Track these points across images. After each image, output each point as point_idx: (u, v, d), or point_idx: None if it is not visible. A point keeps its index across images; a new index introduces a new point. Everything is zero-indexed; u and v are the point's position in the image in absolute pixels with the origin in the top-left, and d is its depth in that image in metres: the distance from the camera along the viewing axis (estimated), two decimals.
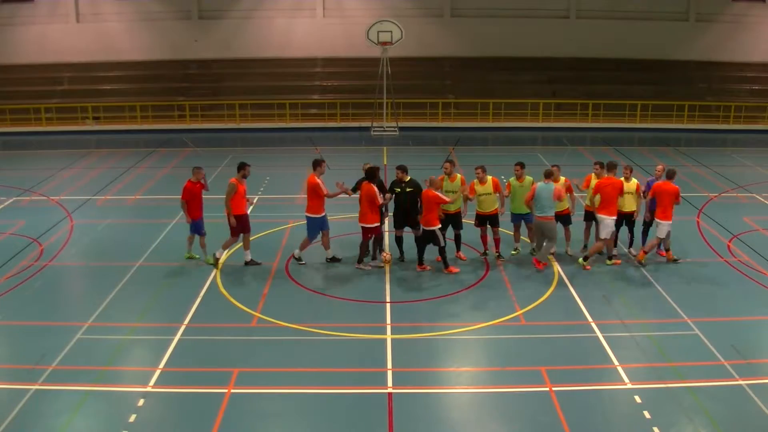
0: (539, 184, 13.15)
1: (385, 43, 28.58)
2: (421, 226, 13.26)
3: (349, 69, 33.03)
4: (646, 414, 8.77)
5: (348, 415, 8.84)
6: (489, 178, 13.70)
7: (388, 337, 10.91)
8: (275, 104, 31.13)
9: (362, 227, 13.36)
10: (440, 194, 13.09)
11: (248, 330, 11.18)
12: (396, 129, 29.71)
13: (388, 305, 12.05)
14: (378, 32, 28.57)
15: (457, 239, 14.08)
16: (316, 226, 13.69)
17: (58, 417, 8.69)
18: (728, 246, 14.78)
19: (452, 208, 13.64)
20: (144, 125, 30.48)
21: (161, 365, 9.97)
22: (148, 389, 9.35)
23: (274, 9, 33.43)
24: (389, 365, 10.03)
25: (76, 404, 8.97)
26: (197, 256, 14.05)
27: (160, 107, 31.01)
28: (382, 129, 29.84)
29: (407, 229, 13.80)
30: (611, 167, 13.57)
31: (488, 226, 14.01)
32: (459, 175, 13.74)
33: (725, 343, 10.50)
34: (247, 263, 13.76)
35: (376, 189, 13.24)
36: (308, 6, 33.50)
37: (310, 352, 10.44)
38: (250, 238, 13.97)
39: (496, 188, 13.71)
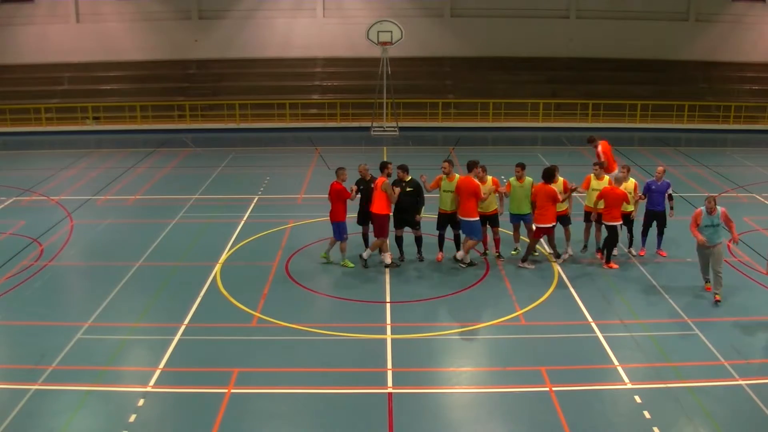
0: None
1: (385, 43, 28.55)
2: (462, 219, 13.44)
3: (349, 69, 33.01)
4: (646, 414, 8.77)
5: (348, 415, 8.84)
6: (489, 178, 13.70)
7: (388, 337, 10.91)
8: (275, 104, 31.09)
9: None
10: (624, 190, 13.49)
11: (248, 330, 11.18)
12: (396, 129, 29.70)
13: (388, 305, 12.06)
14: (378, 32, 28.52)
15: (457, 239, 14.08)
16: (479, 228, 13.52)
17: (58, 417, 8.69)
18: (728, 246, 14.77)
19: (449, 208, 13.65)
20: (144, 125, 30.46)
21: (161, 365, 9.97)
22: (148, 389, 9.35)
23: (274, 9, 33.40)
24: (389, 365, 10.04)
25: (76, 404, 8.98)
26: (332, 260, 13.84)
27: (160, 107, 30.99)
28: (382, 129, 29.82)
29: (407, 228, 13.82)
30: None
31: (488, 226, 14.01)
32: (458, 175, 13.75)
33: (725, 343, 10.51)
34: (387, 265, 13.61)
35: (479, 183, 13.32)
36: (308, 6, 33.47)
37: (310, 352, 10.44)
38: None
39: (496, 188, 13.72)
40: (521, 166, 13.74)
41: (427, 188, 13.67)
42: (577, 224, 14.42)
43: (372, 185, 13.55)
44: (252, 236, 15.56)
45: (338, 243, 13.70)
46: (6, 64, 32.68)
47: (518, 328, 11.21)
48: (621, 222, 13.57)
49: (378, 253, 14.13)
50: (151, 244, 15.03)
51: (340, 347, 10.59)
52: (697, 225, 11.99)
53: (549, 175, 13.29)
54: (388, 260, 13.58)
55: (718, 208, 11.88)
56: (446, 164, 13.66)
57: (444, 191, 13.61)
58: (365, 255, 13.61)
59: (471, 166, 13.45)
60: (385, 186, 13.20)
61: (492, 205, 13.75)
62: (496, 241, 14.10)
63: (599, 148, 15.84)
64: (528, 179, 13.71)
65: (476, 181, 13.29)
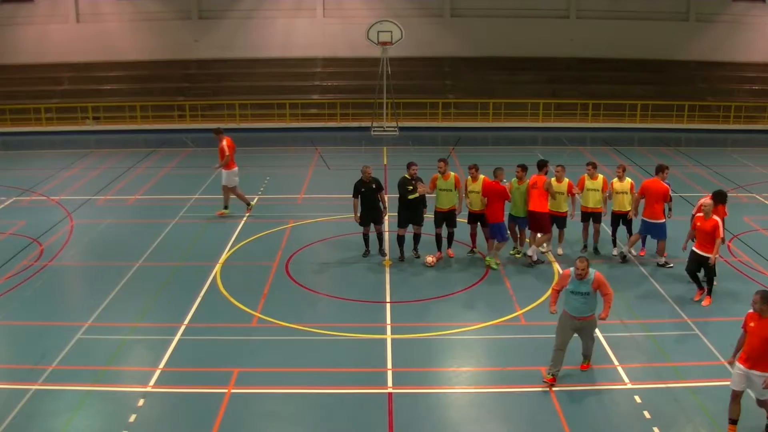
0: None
1: (385, 43, 28.56)
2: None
3: (349, 69, 33.01)
4: (646, 414, 8.78)
5: (348, 415, 8.84)
6: (481, 177, 13.66)
7: (388, 337, 10.91)
8: (275, 104, 31.10)
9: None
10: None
11: (248, 330, 11.18)
12: (396, 129, 29.70)
13: (388, 305, 12.06)
14: (378, 32, 28.53)
15: (450, 237, 14.08)
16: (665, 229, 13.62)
17: (58, 417, 8.69)
18: (728, 246, 14.76)
19: (446, 206, 13.65)
20: (144, 125, 30.45)
21: (161, 365, 9.98)
22: (148, 389, 9.36)
23: (274, 9, 33.41)
24: (389, 365, 10.04)
25: (76, 404, 8.98)
26: (495, 265, 13.70)
27: (160, 107, 30.98)
28: (382, 129, 29.83)
29: (408, 228, 13.84)
30: None
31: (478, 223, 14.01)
32: (453, 174, 13.73)
33: (725, 343, 10.46)
34: (534, 263, 13.68)
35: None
36: (308, 6, 33.48)
37: (310, 352, 10.44)
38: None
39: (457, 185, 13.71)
40: (523, 168, 13.72)
41: (427, 191, 13.67)
42: (577, 225, 14.41)
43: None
44: (252, 236, 15.56)
45: (495, 242, 13.67)
46: (6, 64, 32.68)
47: (518, 328, 11.21)
48: (546, 211, 13.50)
49: (377, 252, 14.15)
50: (151, 244, 15.03)
51: (340, 347, 10.59)
52: (560, 288, 9.52)
53: (722, 197, 12.48)
54: (531, 253, 13.67)
55: (591, 270, 9.23)
56: (442, 163, 13.66)
57: (440, 190, 13.63)
58: (534, 256, 13.66)
59: (660, 170, 13.54)
60: (546, 185, 13.38)
61: (483, 203, 13.67)
62: (488, 240, 14.06)
63: (223, 143, 16.87)
64: (527, 182, 13.66)
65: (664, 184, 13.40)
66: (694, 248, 12.06)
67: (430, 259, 13.74)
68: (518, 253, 14.27)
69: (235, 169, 16.92)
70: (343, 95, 32.02)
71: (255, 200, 18.51)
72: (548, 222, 13.59)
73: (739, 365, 8.21)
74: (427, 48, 33.04)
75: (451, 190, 13.63)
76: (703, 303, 12.02)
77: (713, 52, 33.84)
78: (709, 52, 33.84)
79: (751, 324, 8.16)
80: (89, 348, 10.48)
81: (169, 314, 11.63)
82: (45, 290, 12.75)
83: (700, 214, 11.96)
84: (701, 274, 12.15)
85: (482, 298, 12.42)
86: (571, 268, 9.31)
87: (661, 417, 8.69)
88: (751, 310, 8.22)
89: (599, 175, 13.96)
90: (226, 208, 17.05)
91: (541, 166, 13.64)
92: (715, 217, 11.77)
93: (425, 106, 31.40)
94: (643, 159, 23.62)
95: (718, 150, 27.35)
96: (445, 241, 14.10)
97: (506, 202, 13.56)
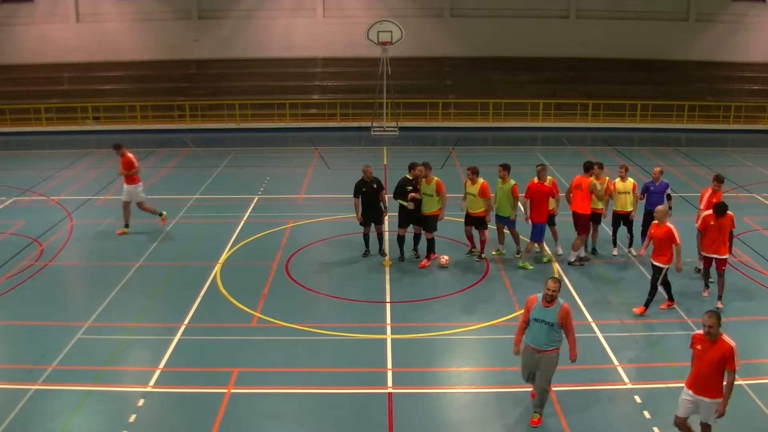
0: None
1: (385, 43, 28.57)
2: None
3: (349, 69, 33.02)
4: (646, 414, 8.78)
5: (348, 415, 8.84)
6: (480, 180, 13.57)
7: (388, 337, 10.92)
8: (275, 104, 31.11)
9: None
10: None
11: (248, 330, 11.18)
12: (396, 129, 29.71)
13: (388, 305, 12.06)
14: (378, 32, 28.56)
15: (430, 243, 14.04)
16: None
17: (58, 417, 8.69)
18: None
19: (427, 212, 13.54)
20: (144, 125, 30.45)
21: (161, 365, 9.98)
22: (148, 389, 9.36)
23: (274, 9, 33.43)
24: (389, 365, 10.04)
25: (76, 404, 8.97)
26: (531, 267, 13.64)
27: (160, 107, 30.98)
28: (382, 129, 29.83)
29: (408, 228, 13.83)
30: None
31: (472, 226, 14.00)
32: (435, 178, 13.58)
33: None
34: (570, 263, 13.69)
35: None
36: (308, 6, 33.49)
37: (310, 352, 10.44)
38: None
39: (483, 194, 13.51)
40: (504, 168, 13.64)
41: (417, 197, 13.53)
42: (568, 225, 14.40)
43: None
44: (252, 236, 15.57)
45: (528, 242, 13.68)
46: (6, 64, 32.68)
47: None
48: (589, 213, 13.49)
49: (377, 252, 14.16)
50: (151, 244, 15.03)
51: (340, 347, 10.59)
52: (527, 319, 8.37)
53: (721, 211, 11.72)
54: (573, 259, 13.71)
55: (560, 300, 8.28)
56: (422, 168, 13.49)
57: (423, 194, 13.48)
58: (573, 258, 13.68)
59: (718, 180, 13.38)
60: (591, 186, 13.38)
61: (481, 205, 13.65)
62: (482, 243, 14.05)
63: (129, 155, 15.65)
64: (510, 181, 13.59)
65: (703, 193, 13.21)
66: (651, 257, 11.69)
67: (443, 259, 13.73)
68: (500, 253, 14.26)
69: (140, 183, 15.89)
70: (342, 95, 32.02)
71: (255, 200, 18.52)
72: (588, 223, 13.61)
73: (686, 390, 7.61)
74: (427, 48, 33.05)
75: (432, 195, 13.43)
76: (637, 310, 11.59)
77: (713, 52, 33.85)
78: (709, 52, 33.85)
79: (699, 347, 7.42)
80: (89, 348, 10.48)
81: (169, 314, 11.63)
82: (45, 290, 12.75)
83: (655, 222, 11.57)
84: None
85: (482, 298, 12.42)
86: (538, 294, 8.36)
87: (661, 417, 8.69)
88: (699, 331, 7.48)
89: (605, 177, 13.92)
90: (126, 226, 15.83)
91: (588, 167, 13.57)
92: (669, 224, 11.36)
93: (425, 106, 31.40)
94: (643, 159, 23.62)
95: (718, 150, 27.34)
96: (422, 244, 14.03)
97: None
